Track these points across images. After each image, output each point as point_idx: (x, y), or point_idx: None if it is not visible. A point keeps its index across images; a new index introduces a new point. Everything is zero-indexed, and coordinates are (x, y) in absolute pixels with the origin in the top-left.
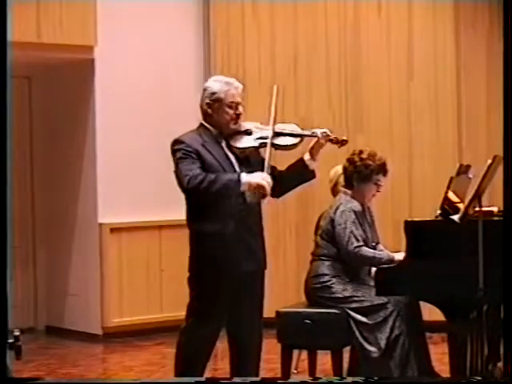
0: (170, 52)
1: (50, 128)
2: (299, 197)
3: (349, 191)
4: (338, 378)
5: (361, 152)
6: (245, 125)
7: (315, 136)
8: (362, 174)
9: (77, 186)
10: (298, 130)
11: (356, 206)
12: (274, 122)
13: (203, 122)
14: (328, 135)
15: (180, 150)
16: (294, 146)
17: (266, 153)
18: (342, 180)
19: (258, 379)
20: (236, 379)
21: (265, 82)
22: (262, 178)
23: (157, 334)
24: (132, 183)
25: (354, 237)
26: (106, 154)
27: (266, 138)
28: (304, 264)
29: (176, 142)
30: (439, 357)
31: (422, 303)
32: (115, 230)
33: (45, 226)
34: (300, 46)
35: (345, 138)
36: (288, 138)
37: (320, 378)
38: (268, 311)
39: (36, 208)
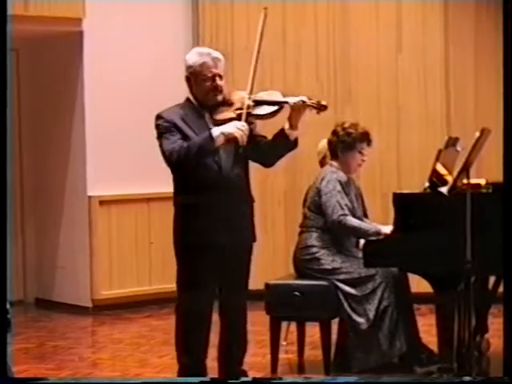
0: (158, 24)
1: (38, 101)
2: (287, 169)
3: (334, 163)
4: (330, 377)
5: (343, 123)
6: (232, 95)
7: (287, 103)
8: (345, 142)
9: (66, 159)
10: (278, 98)
11: (341, 176)
12: (251, 91)
13: (188, 95)
14: (304, 102)
15: (158, 126)
16: (272, 114)
17: (244, 108)
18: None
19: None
20: (238, 380)
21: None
22: (236, 128)
23: (146, 306)
24: (121, 156)
25: (339, 205)
26: (95, 126)
27: (243, 108)
28: (292, 236)
29: (156, 117)
30: (427, 328)
31: (409, 275)
32: (104, 202)
33: (34, 199)
34: (288, 19)
35: (324, 102)
36: (266, 106)
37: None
38: (257, 283)
39: (25, 181)
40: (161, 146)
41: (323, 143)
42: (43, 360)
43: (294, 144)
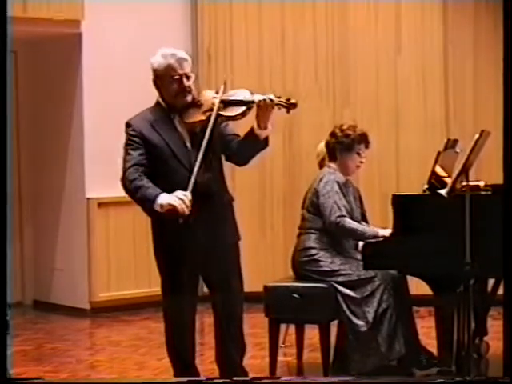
0: (157, 26)
1: (37, 103)
2: (286, 171)
3: (333, 164)
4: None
5: (341, 125)
6: (201, 95)
7: (253, 102)
8: (343, 144)
9: (64, 161)
10: (246, 97)
11: (339, 177)
12: (224, 92)
13: (158, 98)
14: (272, 100)
15: (126, 135)
16: (241, 114)
17: (204, 140)
18: None
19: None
20: (238, 378)
21: (252, 57)
22: (175, 199)
23: (144, 308)
24: (119, 158)
25: (336, 206)
26: (93, 128)
27: (213, 109)
28: (291, 238)
29: (126, 124)
30: (426, 331)
31: (409, 277)
32: (103, 204)
33: (32, 201)
34: (287, 20)
35: (293, 100)
36: (235, 107)
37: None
38: (255, 285)
39: (23, 182)
40: (123, 157)
41: (322, 145)
42: (41, 362)
43: (264, 144)
